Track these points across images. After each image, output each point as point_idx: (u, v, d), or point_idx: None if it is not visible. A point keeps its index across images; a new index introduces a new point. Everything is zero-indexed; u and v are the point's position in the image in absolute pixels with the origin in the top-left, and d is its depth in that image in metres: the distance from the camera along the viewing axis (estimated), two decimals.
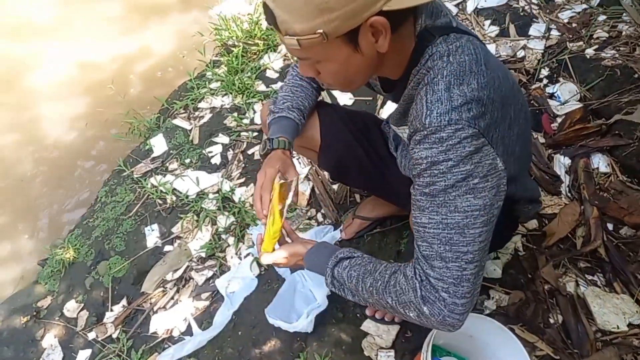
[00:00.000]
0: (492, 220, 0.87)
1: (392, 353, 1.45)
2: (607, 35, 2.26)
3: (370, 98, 2.28)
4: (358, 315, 1.57)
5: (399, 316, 0.97)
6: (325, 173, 2.05)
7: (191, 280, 1.89)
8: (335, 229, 1.84)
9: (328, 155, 1.49)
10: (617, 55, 2.11)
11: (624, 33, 2.23)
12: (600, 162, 1.83)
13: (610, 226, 1.66)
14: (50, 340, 1.90)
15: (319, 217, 1.93)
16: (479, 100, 0.82)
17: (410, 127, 0.89)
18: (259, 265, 1.83)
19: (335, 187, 1.99)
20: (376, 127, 1.53)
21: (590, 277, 1.56)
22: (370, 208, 1.76)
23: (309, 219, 1.93)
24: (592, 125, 1.90)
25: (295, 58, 1.49)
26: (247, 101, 2.43)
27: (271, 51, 2.64)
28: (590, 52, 2.13)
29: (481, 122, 0.82)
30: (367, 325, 1.52)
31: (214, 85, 2.60)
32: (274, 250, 1.17)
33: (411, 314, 0.90)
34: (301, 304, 1.61)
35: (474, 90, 0.82)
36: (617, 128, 1.85)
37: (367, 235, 1.78)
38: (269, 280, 1.78)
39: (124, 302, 1.90)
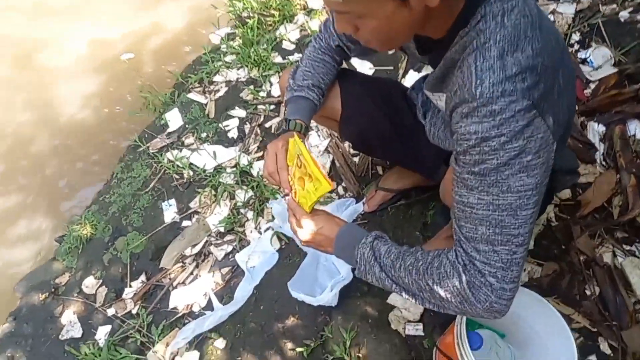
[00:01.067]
0: (541, 198, 0.81)
1: (420, 326, 1.40)
2: None
3: (392, 67, 2.20)
4: None
5: (431, 306, 0.90)
6: (347, 144, 1.98)
7: (210, 255, 1.85)
8: (357, 202, 1.78)
9: (350, 125, 1.42)
10: None
11: None
12: (637, 129, 1.73)
13: None
14: (69, 316, 1.89)
15: (340, 190, 1.87)
16: (533, 68, 0.75)
17: (454, 97, 0.82)
18: (280, 239, 1.78)
19: (356, 159, 1.93)
20: (400, 93, 1.46)
21: (628, 248, 1.48)
22: (394, 179, 1.70)
23: (330, 192, 1.87)
24: (628, 91, 1.80)
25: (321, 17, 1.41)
26: (264, 74, 2.36)
27: (287, 22, 2.55)
28: (624, 14, 2.01)
29: (535, 93, 0.75)
30: (394, 298, 1.47)
31: (229, 58, 2.53)
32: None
33: (453, 300, 0.84)
34: (325, 278, 1.56)
35: (528, 58, 0.75)
36: None
37: (390, 207, 1.72)
38: (290, 254, 1.73)
39: (142, 277, 1.87)
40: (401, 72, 2.18)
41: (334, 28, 1.27)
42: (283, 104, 1.31)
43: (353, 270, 1.16)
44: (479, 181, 0.79)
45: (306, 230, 1.07)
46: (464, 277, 0.82)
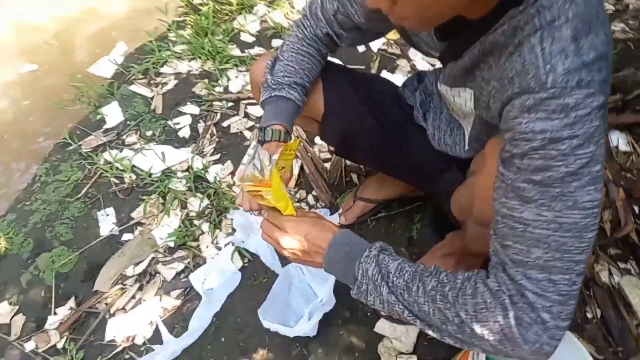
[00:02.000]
0: None
1: (414, 359, 1.21)
2: (613, 8, 2.12)
3: (363, 67, 2.02)
4: (369, 314, 1.32)
5: (455, 341, 0.72)
6: (316, 148, 1.77)
7: (157, 275, 1.56)
8: (332, 214, 1.58)
9: (332, 125, 1.22)
10: (627, 29, 1.97)
11: (631, 7, 2.10)
12: (619, 140, 1.68)
13: (636, 209, 1.51)
14: None
15: (310, 199, 1.65)
16: (607, 57, 0.61)
17: (510, 85, 0.65)
18: (242, 256, 1.53)
19: (327, 165, 1.72)
20: (391, 91, 1.28)
21: (623, 265, 1.39)
22: (375, 188, 1.51)
23: (299, 201, 1.65)
24: (609, 102, 1.74)
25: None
26: (220, 67, 2.10)
27: (246, 12, 2.31)
28: None
29: (607, 88, 0.61)
30: (382, 326, 1.28)
31: (178, 48, 2.24)
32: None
33: (491, 339, 0.66)
34: (300, 302, 1.34)
35: (603, 44, 0.61)
36: (637, 103, 1.71)
37: (371, 220, 1.53)
38: (254, 274, 1.49)
39: (71, 303, 1.54)
40: (373, 72, 2.01)
41: (322, 13, 1.07)
42: (259, 104, 1.07)
43: (339, 290, 0.93)
44: (539, 193, 0.62)
45: (290, 236, 0.86)
46: (511, 312, 0.64)
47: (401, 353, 1.22)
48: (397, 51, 2.13)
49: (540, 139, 0.60)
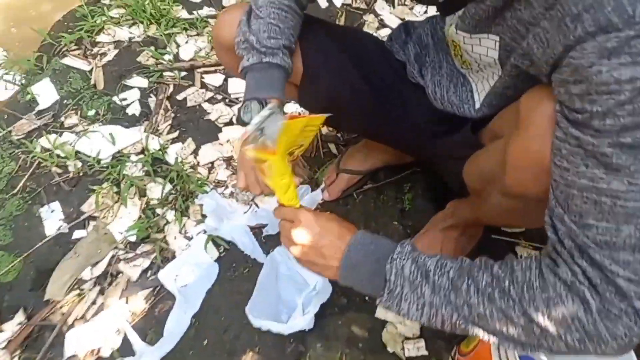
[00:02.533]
0: None
1: (422, 344, 1.11)
2: None
3: None
4: (367, 298, 1.19)
5: (517, 346, 0.60)
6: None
7: (120, 275, 1.37)
8: (312, 190, 1.43)
9: (314, 89, 1.07)
10: None
11: None
12: None
13: None
14: None
15: None
16: None
17: (577, 24, 0.52)
18: (217, 244, 1.36)
19: None
20: (377, 46, 1.12)
21: None
22: (360, 158, 1.37)
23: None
24: None
25: None
26: (166, 32, 1.85)
27: None
28: None
29: None
30: (384, 311, 1.16)
31: (115, 12, 1.95)
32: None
33: (569, 338, 0.55)
34: (290, 291, 1.20)
35: None
36: None
37: (357, 193, 1.39)
38: (233, 264, 1.33)
39: (20, 316, 1.33)
40: None
41: None
42: (239, 71, 0.89)
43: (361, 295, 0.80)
44: (631, 157, 0.50)
45: (303, 228, 0.75)
46: (593, 305, 0.53)
47: (407, 338, 1.12)
48: (363, 5, 1.95)
49: (630, 90, 0.48)
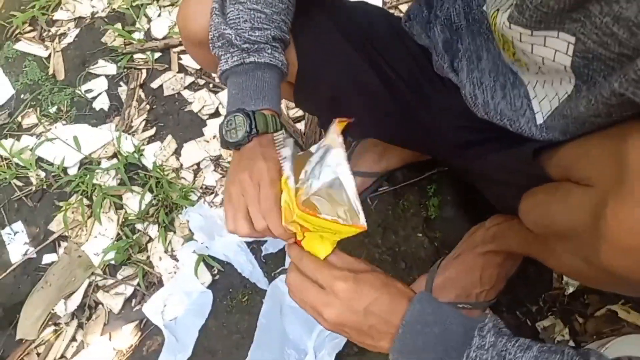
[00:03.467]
0: None
1: None
2: None
3: None
4: None
5: None
6: (283, 106, 1.35)
7: (100, 306, 1.18)
8: None
9: (312, 87, 0.86)
10: None
11: None
12: None
13: None
14: None
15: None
16: None
17: None
18: (209, 265, 1.16)
19: (301, 125, 1.32)
20: (391, 26, 0.87)
21: None
22: (373, 158, 1.13)
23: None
24: None
25: None
26: (134, 3, 1.57)
27: None
28: None
29: None
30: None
31: None
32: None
33: None
34: (298, 330, 1.00)
35: None
36: None
37: (372, 198, 1.17)
38: (230, 290, 1.13)
39: None
40: None
41: None
42: (218, 75, 0.63)
43: None
44: None
45: (341, 302, 0.56)
46: None
47: None
48: None
49: None
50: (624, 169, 0.45)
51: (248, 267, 1.14)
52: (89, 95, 1.43)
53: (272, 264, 1.14)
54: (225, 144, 0.67)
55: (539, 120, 0.66)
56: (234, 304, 1.11)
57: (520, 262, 0.97)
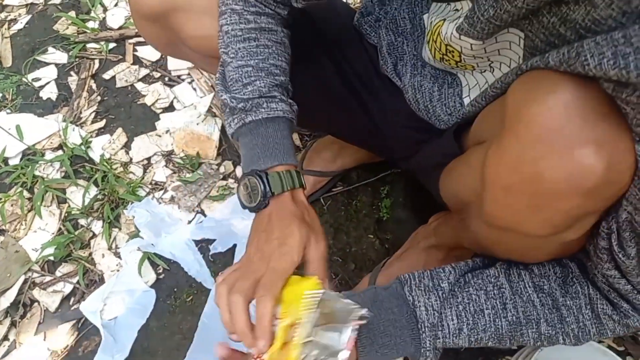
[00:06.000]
0: None
1: None
2: None
3: None
4: None
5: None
6: None
7: (35, 304, 1.12)
8: None
9: None
10: None
11: None
12: None
13: None
14: None
15: (239, 172, 1.23)
16: None
17: None
18: (154, 264, 1.12)
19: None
20: (350, 20, 0.86)
21: None
22: (328, 157, 1.12)
23: (224, 178, 1.23)
24: None
25: None
26: None
27: None
28: None
29: None
30: None
31: None
32: None
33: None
34: None
35: None
36: None
37: (324, 198, 1.15)
38: (174, 290, 1.09)
39: None
40: None
41: None
42: (230, 136, 0.61)
43: None
44: None
45: None
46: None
47: None
48: None
49: None
50: (505, 112, 0.45)
51: (195, 266, 1.10)
52: (37, 84, 1.36)
53: (220, 264, 1.10)
54: (245, 207, 0.63)
55: (464, 110, 0.67)
56: (178, 304, 1.07)
57: None
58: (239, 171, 1.23)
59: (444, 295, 0.56)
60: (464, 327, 0.56)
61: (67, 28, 1.46)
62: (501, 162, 0.44)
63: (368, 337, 0.57)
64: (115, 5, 1.50)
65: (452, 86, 0.70)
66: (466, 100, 0.68)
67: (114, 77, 1.37)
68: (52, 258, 1.15)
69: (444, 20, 0.59)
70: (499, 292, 0.56)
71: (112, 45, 1.43)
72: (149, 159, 1.26)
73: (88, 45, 1.43)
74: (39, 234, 1.18)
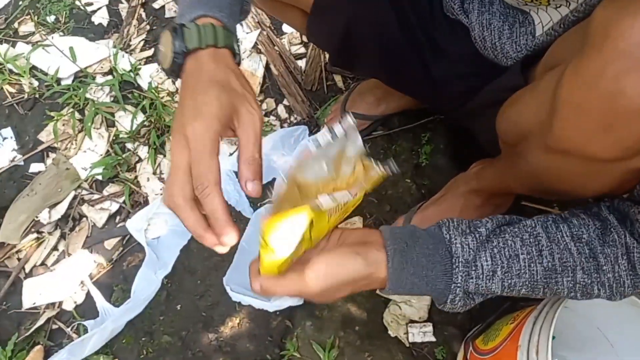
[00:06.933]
0: None
1: (429, 328, 0.95)
2: None
3: None
4: None
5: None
6: (286, 40, 1.32)
7: (84, 219, 1.18)
8: (311, 133, 1.20)
9: (329, 19, 0.82)
10: None
11: None
12: None
13: None
14: None
15: (281, 111, 1.25)
16: None
17: None
18: None
19: (302, 62, 1.30)
20: None
21: None
22: (371, 101, 1.12)
23: (265, 115, 1.25)
24: None
25: None
26: None
27: None
28: None
29: None
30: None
31: None
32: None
33: None
34: None
35: None
36: None
37: (364, 140, 1.16)
38: None
39: None
40: None
41: None
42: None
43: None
44: None
45: (315, 288, 0.52)
46: None
47: (413, 321, 0.96)
48: None
49: None
50: (587, 32, 0.43)
51: (235, 196, 1.14)
52: (89, 9, 1.39)
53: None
54: (163, 70, 0.57)
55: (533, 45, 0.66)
56: None
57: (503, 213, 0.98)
58: (280, 109, 1.25)
59: (480, 238, 0.56)
60: (497, 269, 0.54)
61: None
62: (578, 79, 0.43)
63: (401, 262, 0.55)
64: None
65: (523, 25, 0.68)
66: (542, 32, 0.67)
67: (163, 7, 1.39)
68: (100, 177, 1.21)
69: None
70: (535, 240, 0.55)
71: None
72: None
73: None
74: (88, 154, 1.23)
